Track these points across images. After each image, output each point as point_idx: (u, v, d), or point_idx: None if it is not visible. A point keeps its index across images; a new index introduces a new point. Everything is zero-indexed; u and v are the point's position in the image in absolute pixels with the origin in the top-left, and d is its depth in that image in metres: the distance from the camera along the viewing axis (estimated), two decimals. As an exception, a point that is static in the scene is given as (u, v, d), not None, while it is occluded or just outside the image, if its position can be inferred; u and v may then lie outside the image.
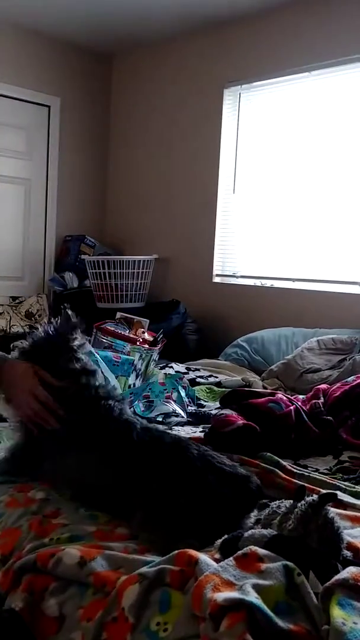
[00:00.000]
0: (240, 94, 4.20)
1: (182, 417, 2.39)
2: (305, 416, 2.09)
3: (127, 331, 3.04)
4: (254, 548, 1.14)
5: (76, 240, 4.82)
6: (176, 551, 1.18)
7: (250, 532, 1.21)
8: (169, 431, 1.83)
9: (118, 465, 1.49)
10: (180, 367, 3.30)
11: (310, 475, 1.70)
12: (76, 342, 1.69)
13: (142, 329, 3.11)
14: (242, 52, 4.14)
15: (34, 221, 4.78)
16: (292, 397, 2.24)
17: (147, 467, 1.46)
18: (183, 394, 2.55)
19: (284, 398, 2.16)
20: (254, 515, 1.40)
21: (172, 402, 2.46)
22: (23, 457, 1.62)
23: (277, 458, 1.76)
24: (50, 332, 1.69)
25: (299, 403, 2.18)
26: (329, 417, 2.13)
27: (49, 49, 4.65)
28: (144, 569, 1.15)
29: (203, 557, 1.15)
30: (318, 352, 3.27)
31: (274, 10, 3.91)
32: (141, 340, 2.94)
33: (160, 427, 1.93)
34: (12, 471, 1.63)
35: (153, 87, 4.75)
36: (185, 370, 3.25)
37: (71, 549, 1.24)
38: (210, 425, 1.99)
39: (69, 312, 1.71)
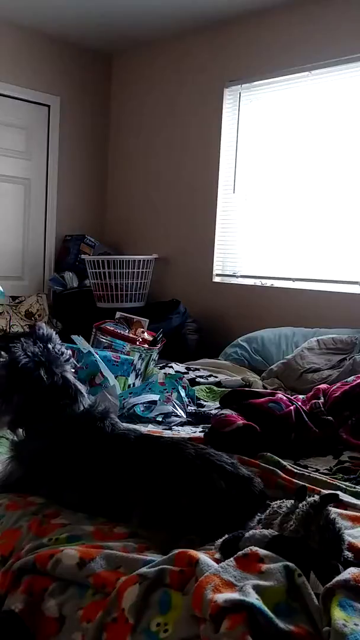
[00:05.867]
0: (240, 93, 4.19)
1: (182, 417, 2.39)
2: (305, 416, 2.08)
3: (127, 331, 3.04)
4: (254, 548, 1.14)
5: (76, 239, 4.82)
6: (176, 551, 1.18)
7: (251, 532, 1.21)
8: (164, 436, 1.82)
9: (117, 469, 1.49)
10: (180, 367, 3.29)
11: (311, 475, 1.70)
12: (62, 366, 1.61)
13: (142, 329, 3.11)
14: (242, 51, 4.14)
15: (34, 221, 4.77)
16: (292, 397, 2.24)
17: (146, 467, 1.45)
18: (183, 394, 2.54)
19: (284, 398, 2.16)
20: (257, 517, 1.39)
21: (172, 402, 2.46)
22: (15, 485, 1.58)
23: (277, 458, 1.76)
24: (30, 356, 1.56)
25: (299, 403, 2.17)
26: (329, 417, 2.12)
27: (48, 48, 4.65)
28: (144, 570, 1.14)
29: (203, 557, 1.15)
30: (318, 352, 3.26)
31: (274, 10, 3.91)
32: (141, 340, 2.94)
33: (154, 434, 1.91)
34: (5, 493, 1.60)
35: (153, 86, 4.74)
36: (185, 370, 3.25)
37: (70, 549, 1.24)
38: (210, 425, 1.98)
39: (43, 330, 1.63)
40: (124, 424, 1.69)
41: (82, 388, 1.64)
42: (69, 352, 1.68)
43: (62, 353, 1.63)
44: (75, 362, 1.70)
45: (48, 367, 1.57)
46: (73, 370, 1.67)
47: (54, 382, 1.57)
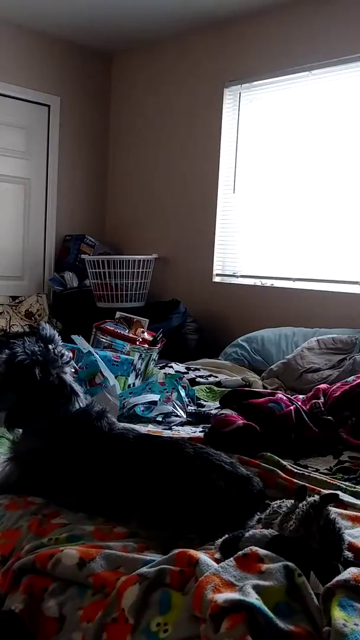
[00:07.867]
0: (240, 93, 4.19)
1: (182, 417, 2.38)
2: (305, 416, 2.08)
3: (127, 331, 3.03)
4: (254, 548, 1.14)
5: (76, 239, 4.82)
6: (176, 551, 1.18)
7: (251, 532, 1.21)
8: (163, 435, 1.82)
9: (115, 469, 1.48)
10: (180, 367, 3.30)
11: (311, 475, 1.70)
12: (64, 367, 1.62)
13: (142, 329, 3.11)
14: (242, 51, 4.14)
15: (33, 221, 4.77)
16: (292, 397, 2.24)
17: (145, 467, 1.45)
18: (183, 393, 2.54)
19: (284, 398, 2.15)
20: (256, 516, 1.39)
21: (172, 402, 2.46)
22: (14, 487, 1.58)
23: (277, 458, 1.76)
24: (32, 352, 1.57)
25: (299, 403, 2.17)
26: (329, 417, 2.12)
27: (49, 48, 4.65)
28: (144, 570, 1.14)
29: (203, 557, 1.15)
30: (318, 351, 3.26)
31: (274, 10, 3.91)
32: (141, 339, 2.93)
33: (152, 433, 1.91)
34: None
35: (153, 86, 4.74)
36: (185, 370, 3.25)
37: (70, 549, 1.24)
38: (210, 425, 1.98)
39: (47, 330, 1.64)
40: (122, 424, 1.68)
41: (78, 389, 1.64)
42: (69, 354, 1.68)
43: (62, 355, 1.63)
44: (76, 365, 1.70)
45: (45, 366, 1.56)
46: (73, 371, 1.68)
47: (50, 382, 1.56)
